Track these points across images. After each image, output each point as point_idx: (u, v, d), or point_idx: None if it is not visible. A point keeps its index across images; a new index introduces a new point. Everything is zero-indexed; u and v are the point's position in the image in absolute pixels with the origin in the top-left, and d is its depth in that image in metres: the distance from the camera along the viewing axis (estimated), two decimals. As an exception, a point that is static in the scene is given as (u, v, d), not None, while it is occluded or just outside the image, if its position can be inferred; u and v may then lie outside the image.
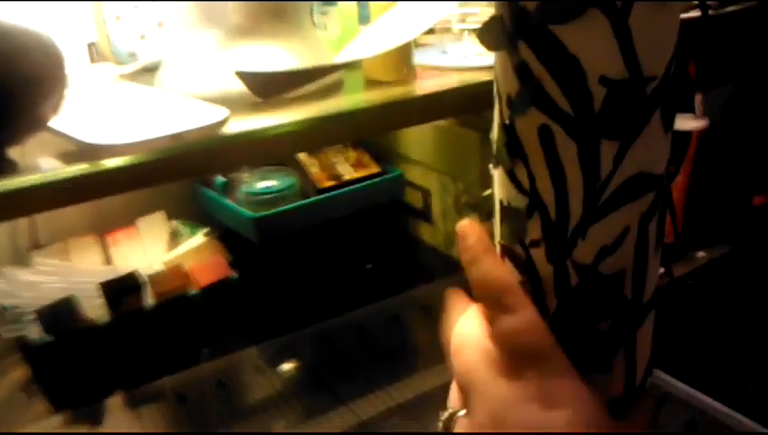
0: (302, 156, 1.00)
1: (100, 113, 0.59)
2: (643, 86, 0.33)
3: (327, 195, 0.97)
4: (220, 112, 0.56)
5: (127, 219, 1.02)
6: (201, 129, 0.53)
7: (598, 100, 0.33)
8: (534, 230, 0.36)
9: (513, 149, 0.36)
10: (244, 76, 0.61)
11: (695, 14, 0.90)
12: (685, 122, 0.92)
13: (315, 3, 0.78)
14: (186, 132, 0.53)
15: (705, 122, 0.93)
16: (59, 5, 0.79)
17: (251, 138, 0.60)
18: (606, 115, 0.33)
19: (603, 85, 0.33)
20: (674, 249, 0.97)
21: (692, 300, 0.91)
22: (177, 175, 0.59)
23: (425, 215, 1.06)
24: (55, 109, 0.52)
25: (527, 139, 0.35)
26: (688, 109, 0.32)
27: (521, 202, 0.36)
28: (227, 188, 0.97)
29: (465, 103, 0.71)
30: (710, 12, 0.88)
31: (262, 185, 0.95)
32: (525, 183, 0.35)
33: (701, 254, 0.97)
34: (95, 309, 0.86)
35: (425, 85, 0.71)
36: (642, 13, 0.32)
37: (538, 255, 0.36)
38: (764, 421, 0.73)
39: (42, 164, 0.53)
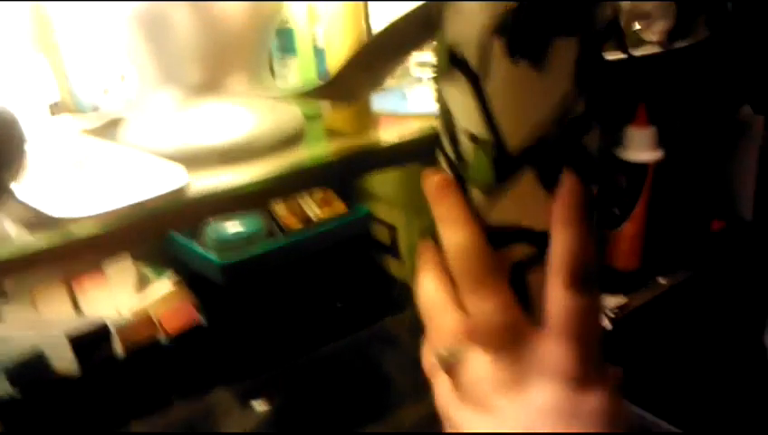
0: (269, 197, 1.01)
1: (61, 177, 0.60)
2: (503, 147, 0.35)
3: (295, 237, 0.98)
4: (181, 176, 0.57)
5: (94, 263, 1.02)
6: (161, 196, 0.54)
7: (464, 150, 0.37)
8: None
9: None
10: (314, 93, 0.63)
11: (646, 51, 0.93)
12: (640, 154, 0.95)
13: (275, 53, 0.79)
14: (147, 201, 0.54)
15: (659, 154, 0.95)
16: (17, 62, 0.80)
17: (213, 197, 0.61)
18: (471, 166, 0.37)
19: (468, 139, 0.36)
20: (634, 278, 0.99)
21: (654, 327, 0.93)
22: (139, 239, 0.60)
23: (392, 250, 1.07)
24: (14, 177, 0.53)
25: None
26: (590, 178, 0.33)
27: None
28: (195, 233, 0.98)
29: (425, 150, 0.73)
30: (660, 49, 0.91)
31: (229, 229, 0.95)
32: None
33: (662, 280, 0.99)
34: (64, 361, 0.86)
35: (385, 135, 0.73)
36: (500, 77, 0.34)
37: None
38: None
39: None
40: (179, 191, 0.56)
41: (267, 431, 0.84)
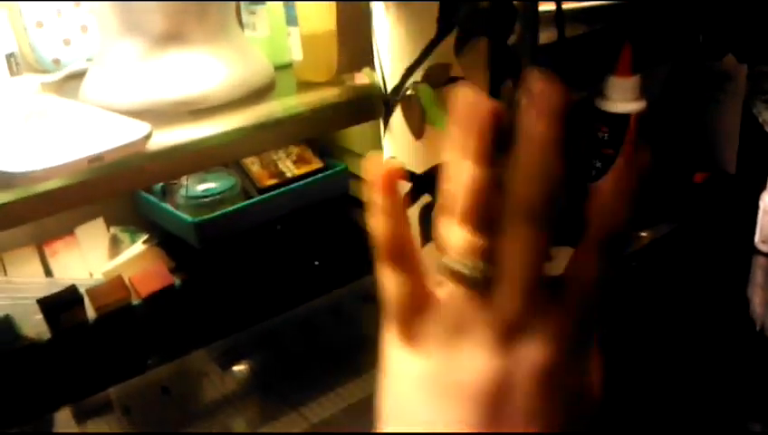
0: (242, 155, 0.99)
1: (17, 135, 0.57)
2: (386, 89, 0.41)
3: (269, 194, 0.96)
4: (141, 129, 0.54)
5: (65, 226, 0.99)
6: (120, 148, 0.51)
7: None
8: None
9: None
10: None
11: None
12: (622, 105, 0.93)
13: (243, 2, 0.76)
14: (105, 153, 0.51)
15: (642, 104, 0.93)
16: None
17: (180, 151, 0.59)
18: None
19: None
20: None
21: (636, 281, 0.92)
22: (103, 196, 0.57)
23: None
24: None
25: None
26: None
27: None
28: (167, 193, 0.95)
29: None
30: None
31: (201, 188, 0.93)
32: None
33: (644, 234, 0.98)
34: (35, 325, 0.84)
35: (358, 85, 0.70)
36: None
37: None
38: (708, 410, 0.74)
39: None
40: (140, 143, 0.53)
41: (245, 392, 0.82)
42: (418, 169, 0.40)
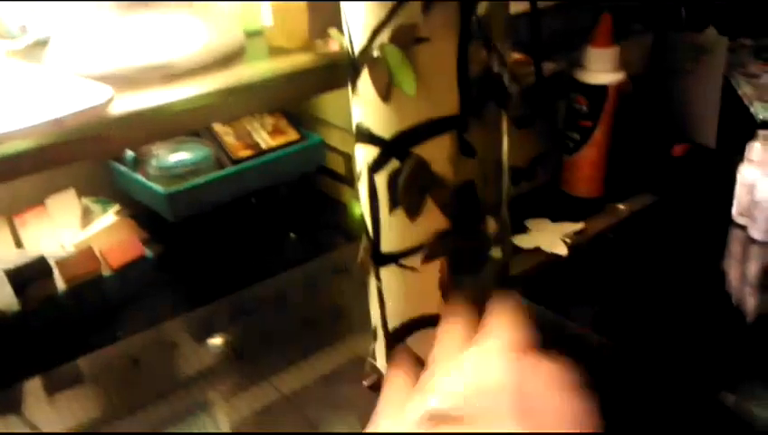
0: (216, 125, 0.97)
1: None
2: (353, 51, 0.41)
3: (244, 165, 0.94)
4: (103, 93, 0.52)
5: (36, 197, 0.97)
6: (80, 113, 0.50)
7: None
8: None
9: None
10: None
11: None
12: (600, 76, 0.92)
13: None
14: (64, 117, 0.49)
15: (621, 75, 0.92)
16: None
17: (145, 117, 0.57)
18: None
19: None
20: (594, 204, 0.97)
21: (613, 255, 0.91)
22: (64, 161, 0.56)
23: (347, 179, 1.04)
24: None
25: None
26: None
27: None
28: (138, 163, 0.93)
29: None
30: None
31: (174, 158, 0.91)
32: None
33: (622, 207, 0.98)
34: (4, 297, 0.82)
35: (332, 50, 0.69)
36: None
37: None
38: (683, 381, 0.74)
39: None
40: (101, 108, 0.51)
41: (217, 364, 0.81)
42: (387, 132, 0.40)
